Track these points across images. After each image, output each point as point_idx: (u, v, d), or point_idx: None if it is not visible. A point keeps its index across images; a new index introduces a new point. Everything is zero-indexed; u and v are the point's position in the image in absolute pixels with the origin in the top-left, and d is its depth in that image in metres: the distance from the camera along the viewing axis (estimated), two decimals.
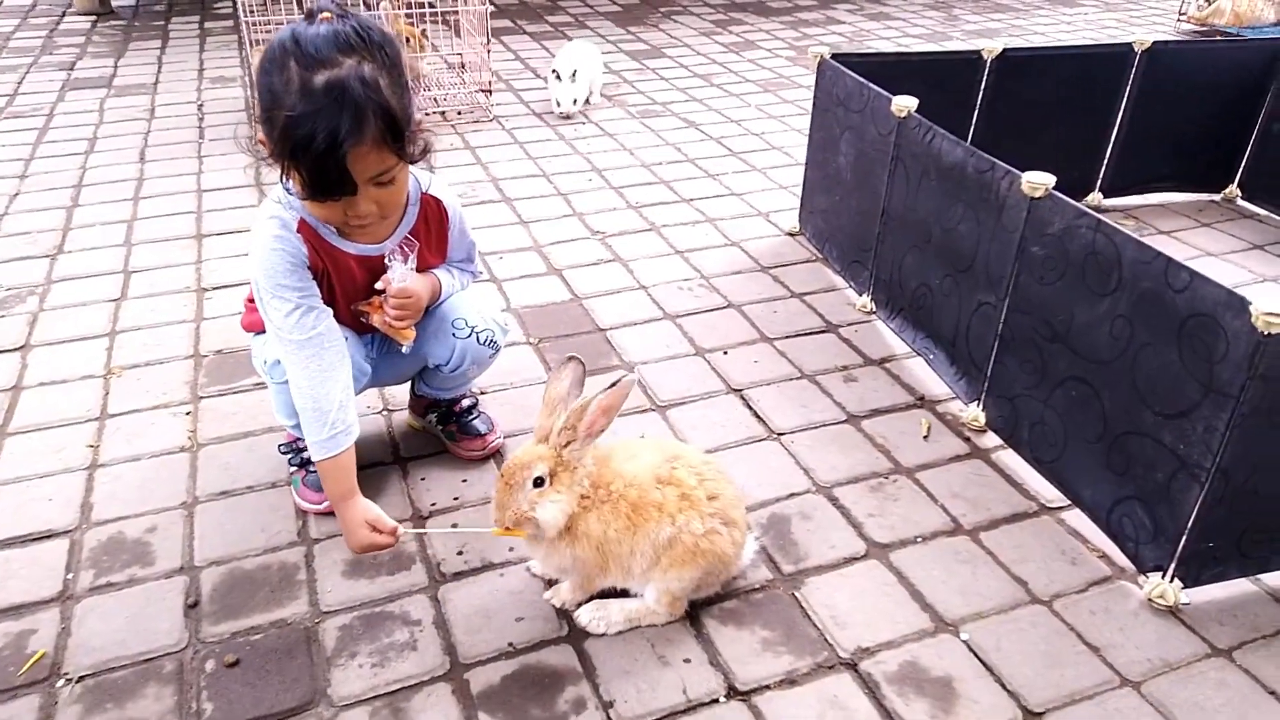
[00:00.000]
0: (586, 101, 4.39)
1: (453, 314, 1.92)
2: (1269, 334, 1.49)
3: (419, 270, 1.84)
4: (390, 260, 1.77)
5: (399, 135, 1.54)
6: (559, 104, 4.23)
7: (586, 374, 1.62)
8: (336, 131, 1.44)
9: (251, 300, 1.84)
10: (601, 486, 1.57)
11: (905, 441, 2.21)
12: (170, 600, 1.72)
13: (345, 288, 1.78)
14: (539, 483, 1.55)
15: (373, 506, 1.67)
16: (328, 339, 1.67)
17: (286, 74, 1.48)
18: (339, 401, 1.65)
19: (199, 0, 6.35)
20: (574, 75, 4.16)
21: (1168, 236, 3.27)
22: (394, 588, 1.76)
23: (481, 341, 1.95)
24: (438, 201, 1.85)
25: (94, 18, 5.86)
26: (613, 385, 1.53)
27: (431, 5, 4.21)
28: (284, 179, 1.60)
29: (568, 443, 1.55)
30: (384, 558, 1.83)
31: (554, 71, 4.18)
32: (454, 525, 1.91)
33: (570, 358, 1.61)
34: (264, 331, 1.80)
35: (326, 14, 1.55)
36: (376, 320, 1.81)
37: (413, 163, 1.64)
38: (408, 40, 4.33)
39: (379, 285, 1.79)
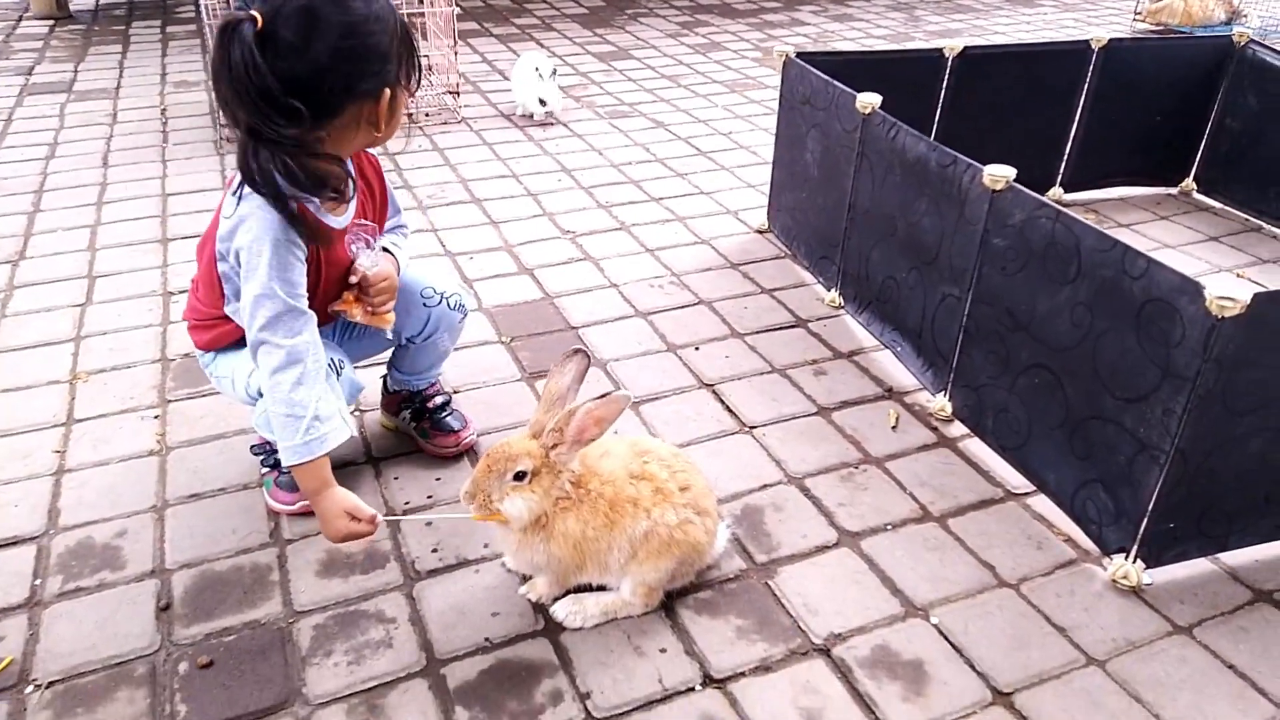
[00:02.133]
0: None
1: (419, 284, 1.95)
2: (1222, 317, 1.53)
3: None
4: (356, 251, 1.76)
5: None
6: (544, 103, 4.14)
7: (590, 368, 1.63)
8: (409, 38, 1.59)
9: (205, 319, 1.80)
10: (580, 485, 1.58)
11: (874, 432, 2.24)
12: (142, 604, 1.71)
13: (331, 268, 1.75)
14: (520, 476, 1.55)
15: (349, 495, 1.65)
16: (312, 346, 1.64)
17: (351, 7, 1.50)
18: (314, 408, 1.63)
19: (160, 4, 6.28)
20: (554, 72, 4.14)
21: (1128, 229, 3.34)
22: (368, 586, 1.76)
23: (452, 306, 1.99)
24: (366, 154, 1.84)
25: (52, 22, 5.78)
26: (602, 397, 1.52)
27: (397, 7, 4.20)
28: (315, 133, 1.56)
29: (554, 445, 1.56)
30: (358, 557, 1.82)
31: (536, 70, 4.12)
32: (429, 521, 1.91)
33: (575, 350, 1.61)
34: (227, 349, 1.80)
35: None
36: (357, 314, 1.80)
37: (412, 94, 1.71)
38: None
39: (353, 279, 1.78)
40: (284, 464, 1.65)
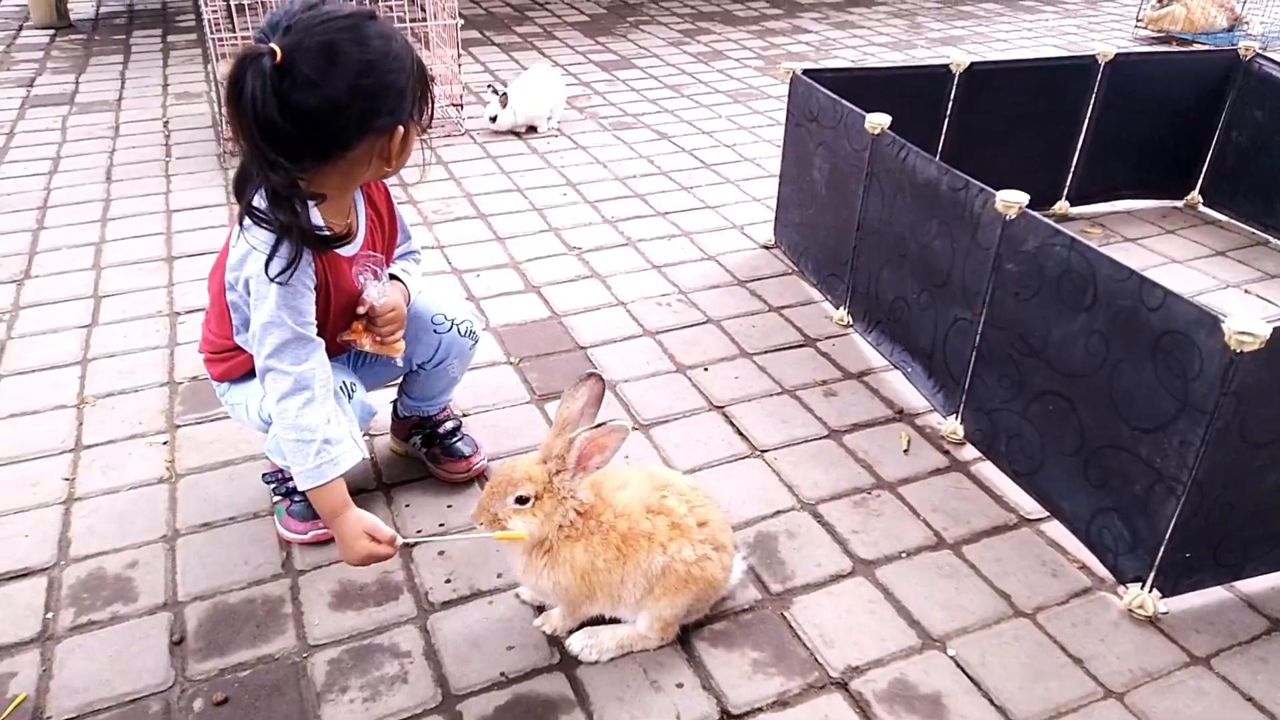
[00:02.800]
0: (533, 129, 4.30)
1: (429, 311, 1.95)
2: (1241, 352, 1.53)
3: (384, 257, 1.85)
4: (363, 281, 1.76)
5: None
6: (494, 120, 4.18)
7: (605, 392, 1.62)
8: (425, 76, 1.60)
9: (219, 350, 1.80)
10: (592, 517, 1.58)
11: (886, 455, 2.23)
12: (155, 637, 1.70)
13: (341, 296, 1.75)
14: (522, 500, 1.55)
15: (368, 515, 1.65)
16: (319, 372, 1.64)
17: (370, 45, 1.50)
18: (324, 431, 1.63)
19: (161, 13, 6.26)
20: (498, 93, 4.13)
21: (1134, 243, 3.34)
22: (382, 619, 1.75)
23: (462, 333, 1.98)
24: (376, 181, 1.83)
25: (52, 32, 5.76)
26: (598, 426, 1.52)
27: (399, 18, 4.19)
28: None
29: (558, 471, 1.56)
30: (371, 588, 1.81)
31: (490, 88, 4.16)
32: (441, 550, 1.90)
33: (590, 374, 1.60)
34: (241, 379, 1.80)
35: None
36: (366, 344, 1.80)
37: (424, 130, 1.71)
38: None
39: (360, 309, 1.78)
40: (300, 488, 1.65)
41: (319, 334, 1.68)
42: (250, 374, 1.78)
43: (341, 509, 1.64)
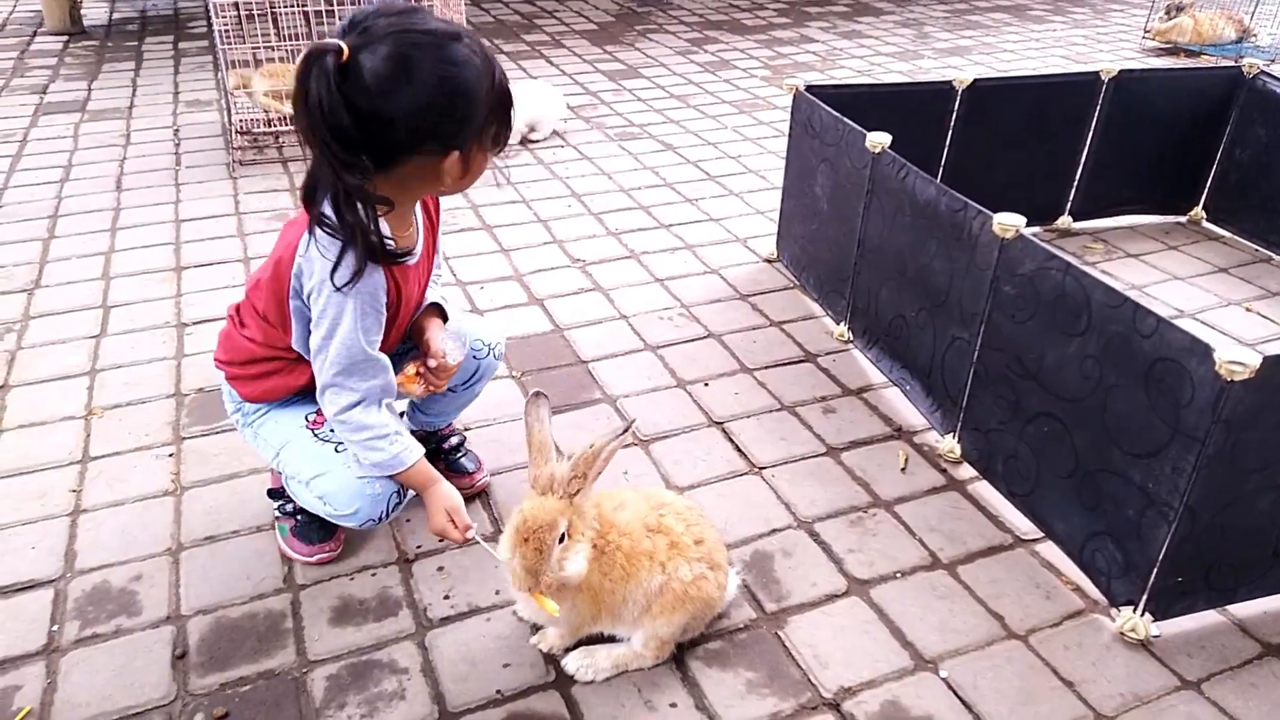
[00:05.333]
0: (523, 141, 4.30)
1: (469, 336, 1.97)
2: (1232, 380, 1.54)
3: (428, 272, 1.85)
4: (443, 339, 1.82)
5: None
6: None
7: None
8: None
9: (252, 363, 1.76)
10: (599, 536, 1.59)
11: (883, 474, 2.25)
12: (158, 651, 1.73)
13: (407, 308, 1.77)
14: (561, 538, 1.51)
15: (456, 496, 1.74)
16: (383, 390, 1.69)
17: (444, 69, 1.44)
18: (394, 424, 1.70)
19: (173, 20, 6.32)
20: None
21: (1136, 259, 3.34)
22: (381, 635, 1.78)
23: (497, 356, 2.07)
24: None
25: (66, 38, 5.82)
26: (621, 433, 1.55)
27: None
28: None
29: (577, 491, 1.53)
30: (371, 603, 1.84)
31: None
32: (441, 568, 1.93)
33: (536, 394, 1.59)
34: (281, 404, 1.80)
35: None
36: (417, 389, 1.83)
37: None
38: None
39: (431, 363, 1.79)
40: (383, 474, 1.70)
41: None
42: (290, 400, 1.80)
43: (429, 483, 1.74)
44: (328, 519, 1.79)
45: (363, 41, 1.40)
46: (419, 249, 1.73)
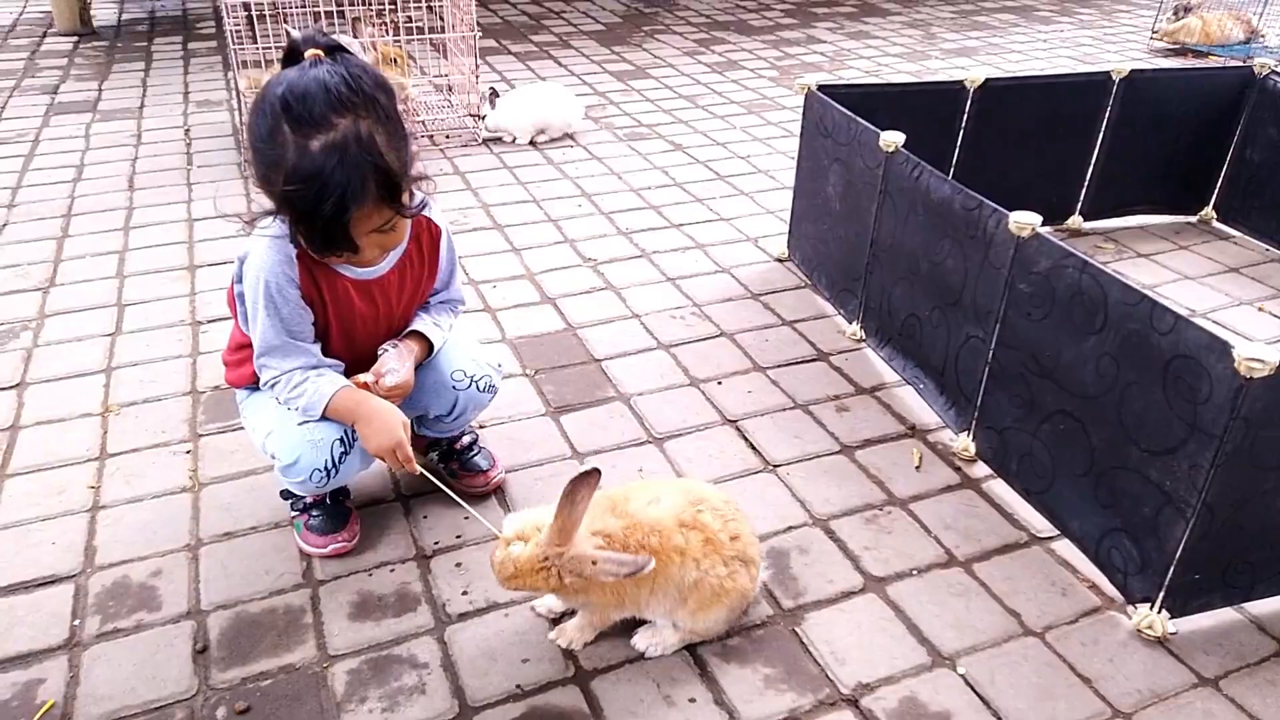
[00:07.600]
0: (531, 142, 4.32)
1: (450, 366, 1.94)
2: (1251, 378, 1.55)
3: (410, 297, 1.88)
4: (382, 352, 1.84)
5: (397, 192, 1.58)
6: (481, 117, 4.24)
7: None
8: (341, 199, 1.48)
9: (234, 352, 1.87)
10: (619, 541, 1.58)
11: (898, 472, 2.25)
12: (179, 646, 1.74)
13: (341, 315, 1.79)
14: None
15: (394, 429, 1.74)
16: (302, 371, 1.76)
17: (281, 138, 1.49)
18: (310, 374, 1.77)
19: (182, 20, 6.34)
20: (494, 98, 4.18)
21: (1147, 259, 3.34)
22: (400, 630, 1.79)
23: (481, 389, 1.99)
24: (429, 221, 1.85)
25: (76, 38, 5.84)
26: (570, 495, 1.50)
27: (419, 28, 4.23)
28: (283, 222, 1.63)
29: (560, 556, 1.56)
30: (390, 599, 1.85)
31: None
32: (459, 564, 1.94)
33: (591, 472, 1.50)
34: (253, 388, 1.86)
35: (315, 50, 1.55)
36: None
37: (410, 216, 1.67)
38: (394, 61, 4.35)
39: (369, 378, 1.80)
40: (311, 418, 1.76)
41: (325, 348, 1.78)
42: (258, 384, 1.85)
43: (358, 414, 1.74)
44: (289, 485, 1.87)
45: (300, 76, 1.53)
46: (385, 267, 1.79)
